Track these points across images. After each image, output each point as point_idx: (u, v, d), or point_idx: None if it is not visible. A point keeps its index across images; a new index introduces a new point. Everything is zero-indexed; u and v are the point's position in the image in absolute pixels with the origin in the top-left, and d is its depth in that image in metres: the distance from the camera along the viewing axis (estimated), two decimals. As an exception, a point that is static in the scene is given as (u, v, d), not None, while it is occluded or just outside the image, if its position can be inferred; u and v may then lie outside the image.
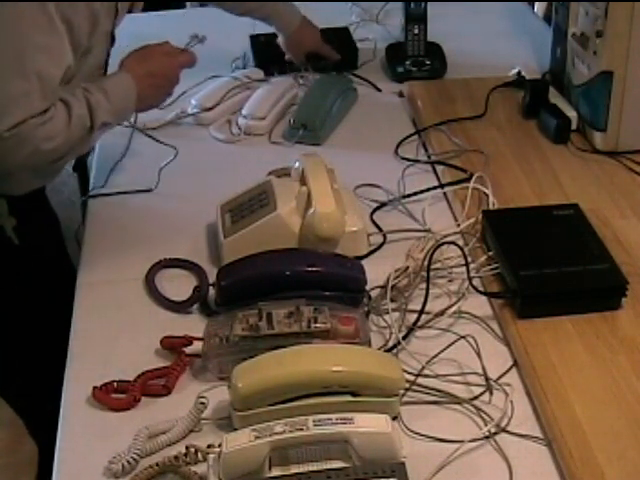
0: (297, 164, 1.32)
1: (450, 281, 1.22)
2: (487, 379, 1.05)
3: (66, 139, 1.22)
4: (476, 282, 1.19)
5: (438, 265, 1.22)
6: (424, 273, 1.18)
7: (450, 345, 1.09)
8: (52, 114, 1.19)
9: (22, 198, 1.34)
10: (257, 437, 0.90)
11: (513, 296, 1.14)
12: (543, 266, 1.15)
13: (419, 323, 1.14)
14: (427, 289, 1.15)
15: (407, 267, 1.22)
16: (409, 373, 1.05)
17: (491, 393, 1.04)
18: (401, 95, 1.73)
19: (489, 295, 1.18)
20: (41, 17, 1.14)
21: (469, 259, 1.19)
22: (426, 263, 1.18)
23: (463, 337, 1.10)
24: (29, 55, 1.14)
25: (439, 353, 1.08)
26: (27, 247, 1.39)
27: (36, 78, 1.15)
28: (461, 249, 1.19)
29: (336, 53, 1.79)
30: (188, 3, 2.58)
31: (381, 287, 1.20)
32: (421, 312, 1.14)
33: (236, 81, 1.69)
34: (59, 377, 1.10)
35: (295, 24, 1.75)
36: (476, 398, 1.03)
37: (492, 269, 1.21)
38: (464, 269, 1.18)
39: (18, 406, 1.55)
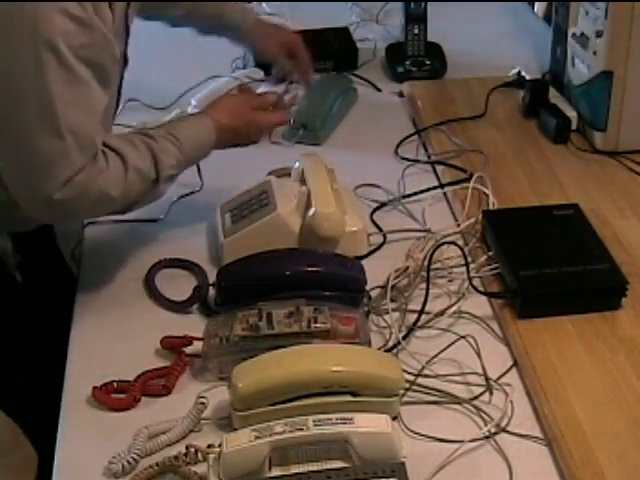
0: (297, 164, 1.32)
1: (450, 281, 1.21)
2: (487, 379, 1.05)
3: (125, 192, 1.15)
4: (476, 282, 1.19)
5: (438, 265, 1.22)
6: (424, 273, 1.18)
7: (450, 345, 1.09)
8: (101, 167, 1.12)
9: (28, 232, 1.29)
10: (257, 437, 0.90)
11: (513, 296, 1.14)
12: (543, 266, 1.15)
13: (419, 323, 1.14)
14: (427, 289, 1.15)
15: (407, 267, 1.22)
16: (409, 373, 1.05)
17: (491, 393, 1.04)
18: (401, 95, 1.73)
19: (489, 295, 1.18)
20: (62, 71, 1.06)
21: (469, 259, 1.19)
22: (426, 263, 1.18)
23: (463, 337, 1.09)
24: (58, 112, 1.07)
25: (439, 353, 1.08)
26: (30, 281, 1.37)
27: (70, 134, 1.08)
28: (461, 249, 1.19)
29: (309, 62, 1.58)
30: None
31: (381, 287, 1.20)
32: (421, 312, 1.14)
33: (236, 81, 1.69)
34: (59, 378, 1.10)
35: (250, 20, 1.57)
36: (476, 398, 1.03)
37: (492, 269, 1.21)
38: (464, 269, 1.18)
39: (18, 407, 1.55)
